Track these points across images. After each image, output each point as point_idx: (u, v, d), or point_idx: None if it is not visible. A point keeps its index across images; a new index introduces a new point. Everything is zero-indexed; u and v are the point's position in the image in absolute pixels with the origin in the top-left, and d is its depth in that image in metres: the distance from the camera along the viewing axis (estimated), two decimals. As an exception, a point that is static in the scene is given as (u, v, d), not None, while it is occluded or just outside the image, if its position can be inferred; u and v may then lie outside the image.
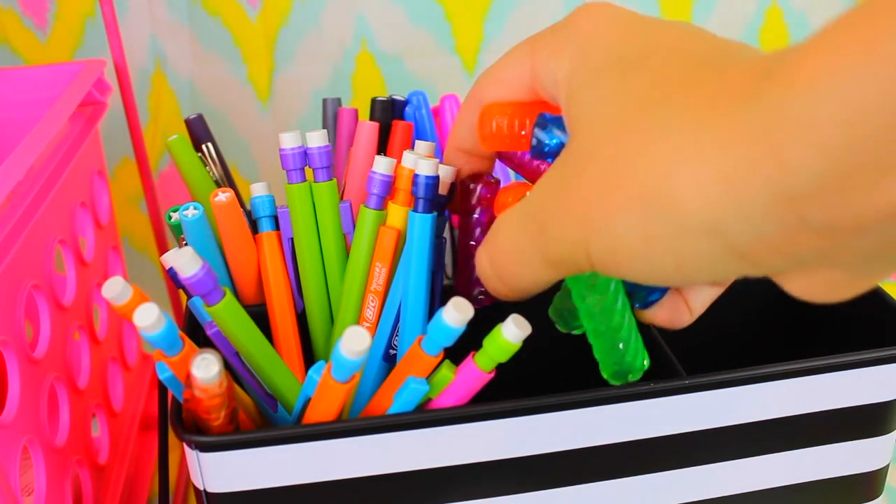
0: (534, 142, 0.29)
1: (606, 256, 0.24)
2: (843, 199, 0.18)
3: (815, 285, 0.23)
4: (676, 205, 0.21)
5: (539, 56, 0.28)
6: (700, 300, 0.31)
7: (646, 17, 0.27)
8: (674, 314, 0.32)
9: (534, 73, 0.29)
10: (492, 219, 0.34)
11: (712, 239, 0.21)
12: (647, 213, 0.22)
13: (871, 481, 0.36)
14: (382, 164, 0.34)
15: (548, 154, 0.29)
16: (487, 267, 0.29)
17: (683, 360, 0.34)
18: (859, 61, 0.17)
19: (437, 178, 0.33)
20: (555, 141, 0.29)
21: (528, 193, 0.27)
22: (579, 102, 0.25)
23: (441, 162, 0.34)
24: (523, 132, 0.30)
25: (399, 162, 0.35)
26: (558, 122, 0.29)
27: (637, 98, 0.23)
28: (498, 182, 0.34)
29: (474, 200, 0.34)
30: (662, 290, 0.31)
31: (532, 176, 0.34)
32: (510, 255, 0.27)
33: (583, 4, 0.28)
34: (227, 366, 0.32)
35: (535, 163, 0.34)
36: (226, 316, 0.31)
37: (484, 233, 0.34)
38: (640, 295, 0.31)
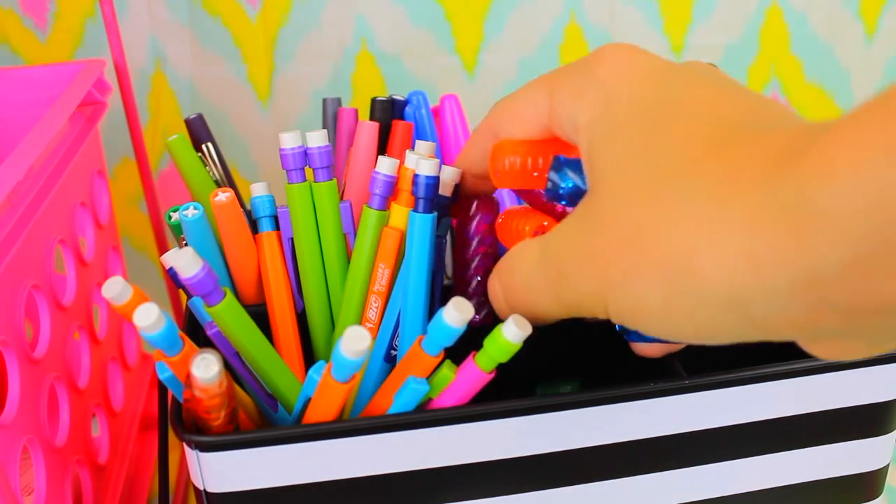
0: (549, 184, 0.29)
1: (625, 313, 0.24)
2: (867, 285, 0.19)
3: (834, 351, 0.23)
4: (697, 278, 0.21)
5: (558, 97, 0.28)
6: None
7: (669, 63, 0.26)
8: (668, 347, 0.33)
9: (552, 113, 0.28)
10: (490, 240, 0.34)
11: (733, 311, 0.21)
12: (667, 282, 0.22)
13: (870, 481, 0.36)
14: (385, 165, 0.34)
15: (563, 196, 0.29)
16: (500, 296, 0.29)
17: (683, 360, 0.34)
18: (881, 156, 0.17)
19: (437, 178, 0.33)
20: (570, 184, 0.28)
21: (547, 235, 0.27)
22: (602, 157, 0.25)
23: (444, 164, 0.34)
24: (535, 173, 0.30)
25: (402, 162, 0.34)
26: (573, 165, 0.28)
27: (661, 162, 0.23)
28: (496, 203, 0.34)
29: (473, 226, 0.34)
30: None
31: (543, 209, 0.34)
32: (525, 291, 0.28)
33: (606, 45, 0.27)
34: (228, 366, 0.32)
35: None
36: (226, 316, 0.31)
37: (483, 255, 0.34)
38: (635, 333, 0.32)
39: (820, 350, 0.23)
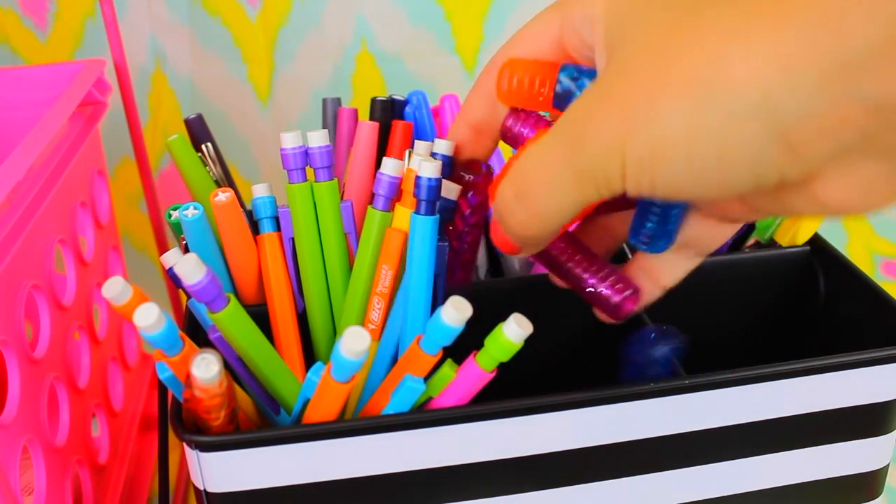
0: (558, 89, 0.28)
1: (644, 159, 0.23)
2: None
3: (854, 186, 0.22)
4: (727, 86, 0.21)
5: (570, 5, 0.28)
6: (672, 273, 0.32)
7: None
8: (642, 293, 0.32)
9: (564, 25, 0.28)
10: (482, 210, 0.34)
11: (760, 122, 0.21)
12: (695, 99, 0.21)
13: (870, 481, 0.36)
14: (390, 166, 0.34)
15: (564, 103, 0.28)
16: (510, 195, 0.27)
17: (683, 360, 0.34)
18: None
19: (439, 180, 0.33)
20: (583, 85, 0.28)
21: (563, 114, 0.26)
22: (621, 25, 0.25)
23: (443, 158, 0.34)
24: (541, 98, 0.29)
25: (407, 164, 0.34)
26: (585, 71, 0.28)
27: (691, 3, 0.23)
28: (491, 172, 0.34)
29: (467, 201, 0.34)
30: (664, 223, 0.30)
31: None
32: (537, 173, 0.26)
33: None
34: (230, 370, 0.32)
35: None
36: (230, 323, 0.31)
37: (475, 225, 0.34)
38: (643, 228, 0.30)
39: (841, 191, 0.23)
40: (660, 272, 0.32)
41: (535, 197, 0.26)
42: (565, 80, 0.28)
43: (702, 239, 0.31)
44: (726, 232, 0.31)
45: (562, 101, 0.28)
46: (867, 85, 0.19)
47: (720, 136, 0.21)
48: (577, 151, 0.24)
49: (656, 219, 0.29)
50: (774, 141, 0.21)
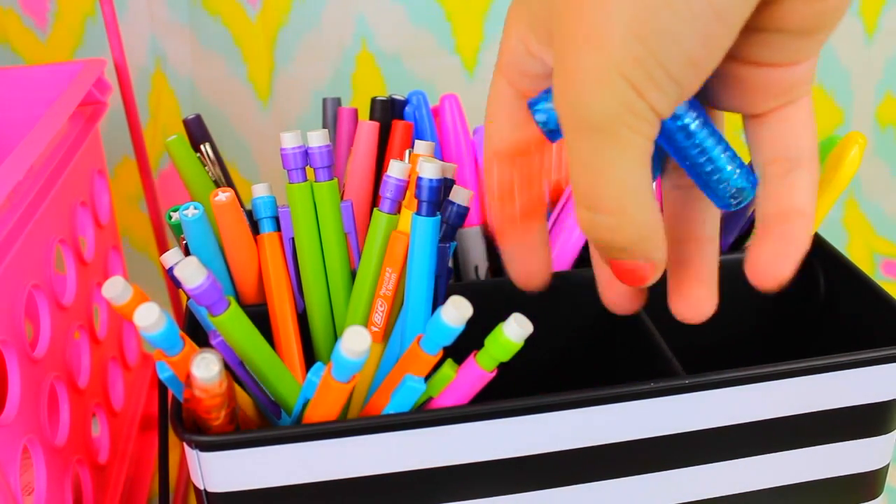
0: (539, 119, 0.27)
1: (638, 58, 0.22)
2: None
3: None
4: None
5: (503, 60, 0.27)
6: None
7: None
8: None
9: (512, 84, 0.28)
10: None
11: None
12: None
13: (871, 481, 0.36)
14: (397, 169, 0.34)
15: (557, 130, 0.27)
16: (587, 217, 0.25)
17: (683, 360, 0.34)
18: None
19: (440, 181, 0.33)
20: (553, 114, 0.27)
21: None
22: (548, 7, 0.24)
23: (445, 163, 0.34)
24: (532, 138, 0.29)
25: (414, 167, 0.34)
26: (546, 97, 0.27)
27: None
28: None
29: None
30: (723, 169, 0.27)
31: None
32: (584, 172, 0.24)
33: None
34: (232, 374, 0.32)
35: None
36: (230, 326, 0.31)
37: None
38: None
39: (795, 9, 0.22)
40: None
41: (600, 195, 0.24)
42: (542, 109, 0.28)
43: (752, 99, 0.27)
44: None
45: (551, 130, 0.28)
46: None
47: None
48: (588, 107, 0.23)
49: (702, 156, 0.26)
50: None
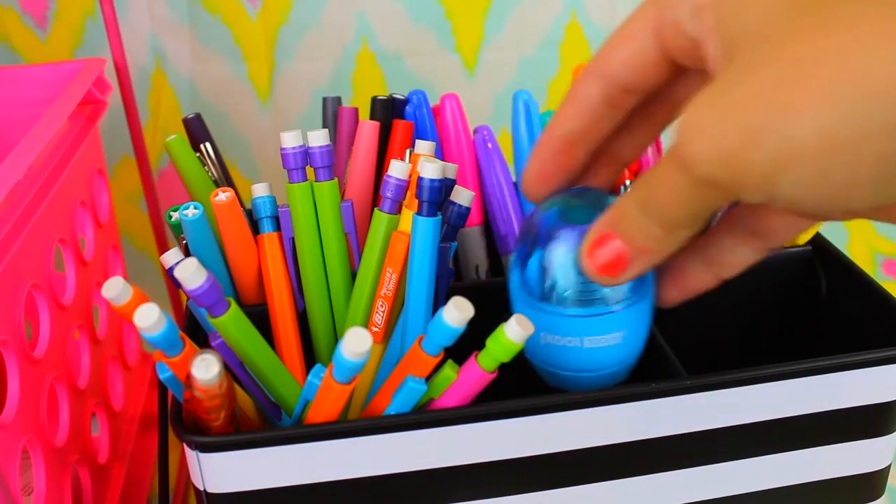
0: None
1: (766, 167, 0.21)
2: None
3: None
4: (869, 98, 0.20)
5: None
6: (734, 265, 0.30)
7: None
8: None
9: (661, 14, 0.27)
10: None
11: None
12: (829, 108, 0.20)
13: (872, 482, 0.36)
14: (397, 168, 0.34)
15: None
16: (634, 211, 0.26)
17: (685, 360, 0.34)
18: None
19: (441, 181, 0.33)
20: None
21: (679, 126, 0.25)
22: (737, 19, 0.23)
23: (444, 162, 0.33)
24: None
25: (414, 166, 0.34)
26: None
27: (808, 2, 0.22)
28: None
29: None
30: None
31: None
32: (658, 184, 0.25)
33: None
34: (232, 375, 0.32)
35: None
36: (231, 327, 0.31)
37: None
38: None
39: None
40: (721, 263, 0.30)
41: (661, 208, 0.25)
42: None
43: (777, 232, 0.29)
44: (803, 225, 0.29)
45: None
46: None
47: (852, 148, 0.20)
48: (691, 161, 0.23)
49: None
50: None
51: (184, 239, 0.36)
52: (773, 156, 0.21)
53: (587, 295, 0.30)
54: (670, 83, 0.29)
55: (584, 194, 0.31)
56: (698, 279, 0.30)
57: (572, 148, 0.30)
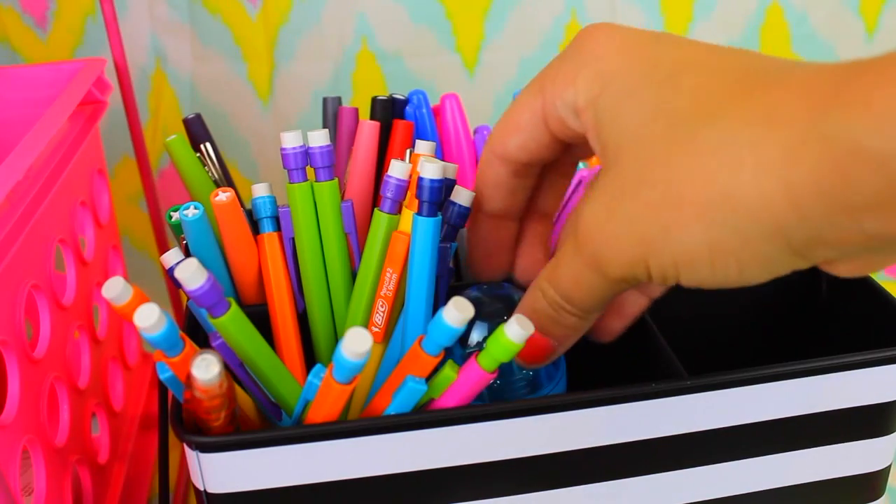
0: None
1: (668, 269, 0.25)
2: None
3: (858, 268, 0.25)
4: (742, 215, 0.22)
5: (550, 90, 0.28)
6: (637, 303, 0.33)
7: (650, 31, 0.27)
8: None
9: (546, 109, 0.29)
10: None
11: (774, 242, 0.23)
12: (712, 226, 0.23)
13: (872, 482, 0.36)
14: (398, 169, 0.34)
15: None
16: (553, 294, 0.29)
17: (685, 360, 0.34)
18: None
19: (441, 181, 0.33)
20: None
21: (576, 223, 0.28)
22: (614, 128, 0.26)
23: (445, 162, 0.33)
24: None
25: (415, 167, 0.34)
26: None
27: (682, 117, 0.24)
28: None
29: None
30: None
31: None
32: (572, 283, 0.28)
33: (584, 28, 0.28)
34: (232, 375, 0.32)
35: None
36: (231, 328, 0.31)
37: None
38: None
39: (847, 270, 0.25)
40: (625, 306, 0.33)
41: (577, 303, 0.29)
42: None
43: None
44: None
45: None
46: (869, 223, 0.21)
47: (738, 252, 0.23)
48: (602, 268, 0.27)
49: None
50: (787, 253, 0.23)
51: (184, 239, 0.36)
52: (672, 260, 0.24)
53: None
54: (569, 148, 0.31)
55: (496, 291, 0.35)
56: (635, 304, 0.33)
57: (503, 221, 0.34)
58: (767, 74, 0.23)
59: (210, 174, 0.41)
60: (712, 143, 0.23)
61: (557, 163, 0.33)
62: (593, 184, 0.27)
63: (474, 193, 0.35)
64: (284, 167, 0.36)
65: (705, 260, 0.24)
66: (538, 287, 0.30)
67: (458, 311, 0.28)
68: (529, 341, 0.29)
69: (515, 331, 0.29)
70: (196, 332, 0.36)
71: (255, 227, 0.38)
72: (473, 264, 0.35)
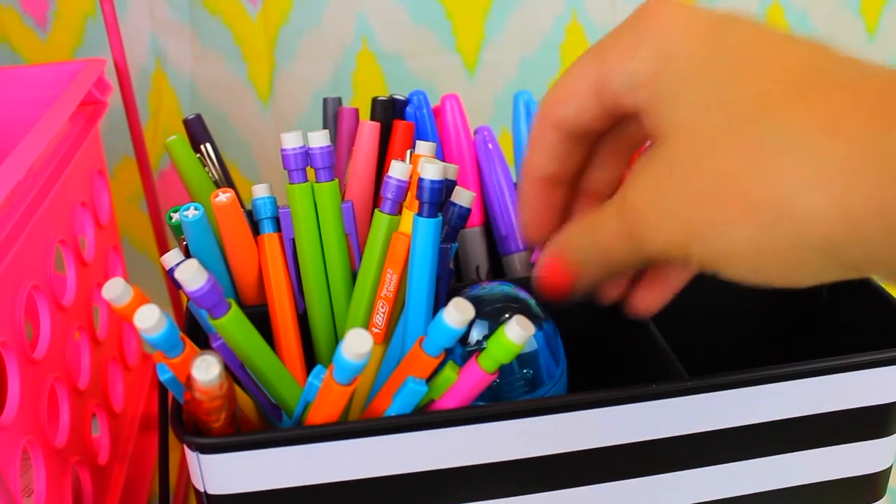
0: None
1: (711, 260, 0.24)
2: None
3: None
4: (792, 225, 0.22)
5: (608, 62, 0.27)
6: (680, 277, 0.32)
7: (718, 13, 0.26)
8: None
9: (602, 81, 0.28)
10: None
11: (825, 255, 0.22)
12: (759, 229, 0.22)
13: (873, 483, 0.36)
14: (398, 169, 0.34)
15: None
16: (580, 250, 0.29)
17: (685, 361, 0.34)
18: None
19: (442, 182, 0.33)
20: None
21: (621, 191, 0.27)
22: (672, 108, 0.25)
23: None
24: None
25: (415, 167, 0.34)
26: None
27: (741, 112, 0.23)
28: None
29: None
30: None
31: None
32: (606, 242, 0.27)
33: (649, 2, 0.27)
34: (232, 376, 0.32)
35: None
36: (231, 329, 0.31)
37: None
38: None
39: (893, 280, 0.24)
40: (667, 280, 0.32)
41: (606, 263, 0.28)
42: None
43: None
44: None
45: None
46: None
47: (784, 259, 0.23)
48: (638, 241, 0.26)
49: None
50: (836, 265, 0.22)
51: (184, 240, 0.36)
52: (714, 253, 0.24)
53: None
54: (621, 122, 0.30)
55: (496, 290, 0.36)
56: (678, 276, 0.32)
57: (553, 187, 0.32)
58: (836, 76, 0.23)
59: (210, 175, 0.41)
60: (770, 146, 0.22)
61: (612, 135, 0.32)
62: (644, 159, 0.26)
63: (474, 194, 0.35)
64: (285, 168, 0.36)
65: (749, 260, 0.23)
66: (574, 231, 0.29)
67: (458, 313, 0.28)
68: (552, 268, 0.29)
69: (516, 331, 0.29)
70: (196, 333, 0.36)
71: (256, 227, 0.38)
72: (522, 228, 0.34)
